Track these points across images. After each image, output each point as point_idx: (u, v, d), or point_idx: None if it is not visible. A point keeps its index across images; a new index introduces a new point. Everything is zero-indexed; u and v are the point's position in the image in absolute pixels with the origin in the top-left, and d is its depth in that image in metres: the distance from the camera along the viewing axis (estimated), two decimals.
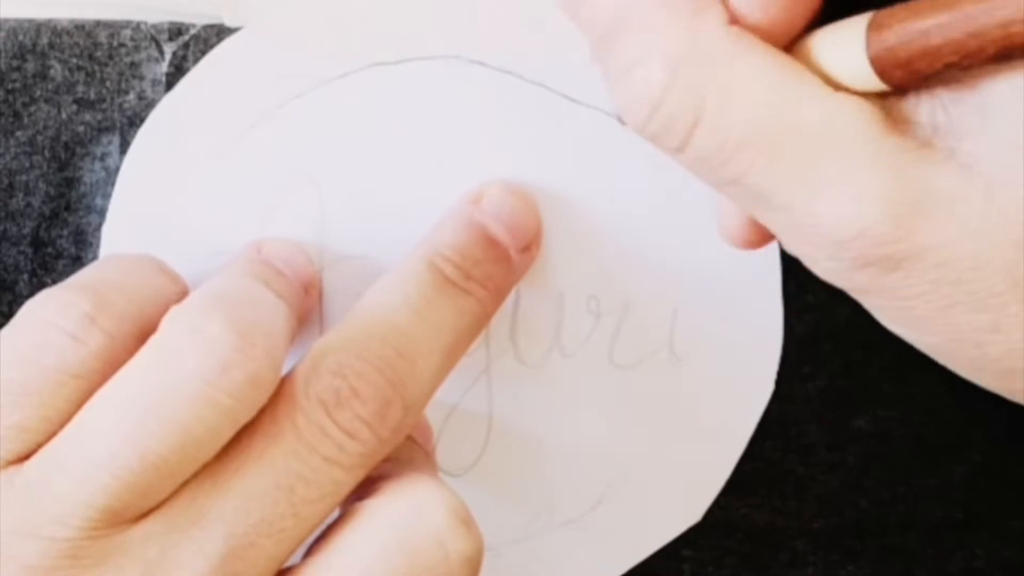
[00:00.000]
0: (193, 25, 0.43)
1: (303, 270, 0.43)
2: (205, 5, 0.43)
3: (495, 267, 0.42)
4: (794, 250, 0.37)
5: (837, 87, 0.36)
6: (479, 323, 0.41)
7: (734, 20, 0.37)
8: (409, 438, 0.41)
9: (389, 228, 0.44)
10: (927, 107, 0.35)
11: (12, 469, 0.36)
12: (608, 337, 0.45)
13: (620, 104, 0.37)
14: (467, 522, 0.38)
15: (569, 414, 0.45)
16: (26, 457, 0.36)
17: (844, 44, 0.36)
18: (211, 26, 0.43)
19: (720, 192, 0.38)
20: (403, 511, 0.37)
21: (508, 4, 0.43)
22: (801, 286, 0.45)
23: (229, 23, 0.43)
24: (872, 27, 0.35)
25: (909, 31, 0.34)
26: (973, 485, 0.47)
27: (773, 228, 0.37)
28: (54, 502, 0.35)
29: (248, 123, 0.43)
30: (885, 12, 0.35)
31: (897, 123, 0.35)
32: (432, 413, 0.44)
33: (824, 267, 0.37)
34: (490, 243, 0.42)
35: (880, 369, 0.46)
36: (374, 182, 0.44)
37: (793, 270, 0.45)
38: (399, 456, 0.40)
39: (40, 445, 0.36)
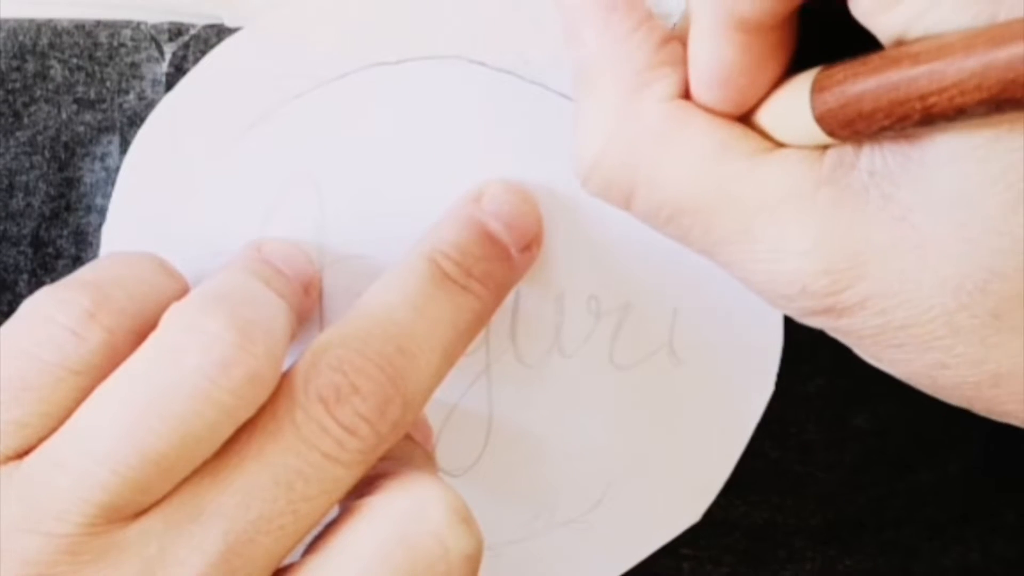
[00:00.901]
0: (193, 25, 0.43)
1: (303, 269, 0.43)
2: (205, 5, 0.43)
3: (495, 265, 0.42)
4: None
5: (785, 143, 0.37)
6: (479, 321, 0.41)
7: (686, 94, 0.38)
8: (408, 437, 0.41)
9: (389, 228, 0.44)
10: (867, 152, 0.36)
11: (11, 465, 0.36)
12: (608, 337, 0.45)
13: (572, 153, 0.39)
14: (467, 520, 0.37)
15: (569, 414, 0.45)
16: (25, 453, 0.36)
17: (794, 102, 0.37)
18: (211, 26, 0.43)
19: None
20: (403, 508, 0.37)
21: (508, 4, 0.43)
22: None
23: (229, 23, 0.43)
24: (815, 88, 0.36)
25: (846, 94, 0.35)
26: (969, 481, 0.47)
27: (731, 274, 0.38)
28: (53, 498, 0.35)
29: (248, 123, 0.43)
30: (826, 73, 0.36)
31: (837, 168, 0.36)
32: (432, 413, 0.44)
33: (780, 308, 0.38)
34: (490, 241, 0.42)
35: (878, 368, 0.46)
36: (374, 182, 0.44)
37: None
38: (398, 455, 0.40)
39: (40, 441, 0.36)
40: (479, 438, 0.45)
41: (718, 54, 0.37)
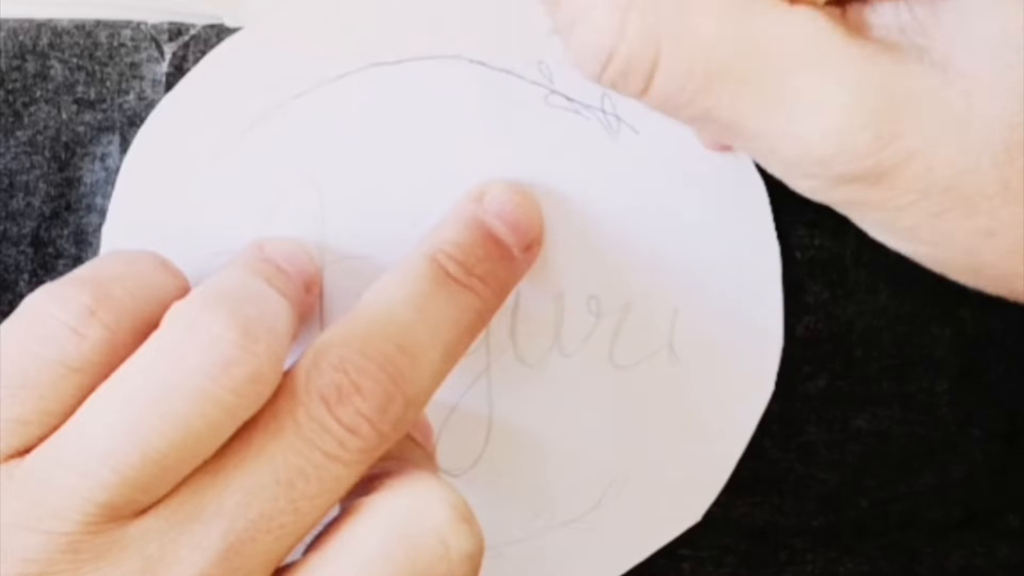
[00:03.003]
0: (193, 25, 0.43)
1: (305, 268, 0.43)
2: (205, 5, 0.43)
3: (497, 265, 0.42)
4: (775, 172, 0.36)
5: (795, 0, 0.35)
6: (481, 321, 0.41)
7: None
8: (409, 437, 0.41)
9: (389, 228, 0.44)
10: (891, 8, 0.34)
11: (12, 463, 0.36)
12: (608, 337, 0.45)
13: (573, 56, 0.36)
14: (468, 519, 0.37)
15: (569, 414, 0.45)
16: (27, 451, 0.36)
17: None
18: (211, 26, 0.43)
19: (690, 127, 0.37)
20: (404, 507, 0.37)
21: (508, 4, 0.43)
22: (801, 286, 0.45)
23: (229, 23, 0.43)
24: None
25: None
26: (972, 483, 0.47)
27: (752, 154, 0.36)
28: (54, 496, 0.35)
29: (248, 123, 0.43)
30: None
31: (859, 29, 0.35)
32: (432, 413, 0.44)
33: (806, 186, 0.36)
34: (492, 241, 0.42)
35: (880, 369, 0.46)
36: (374, 182, 0.44)
37: (793, 270, 0.45)
38: (399, 454, 0.40)
39: (40, 439, 0.36)
40: (479, 438, 0.45)
41: None
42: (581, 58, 0.36)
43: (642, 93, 0.36)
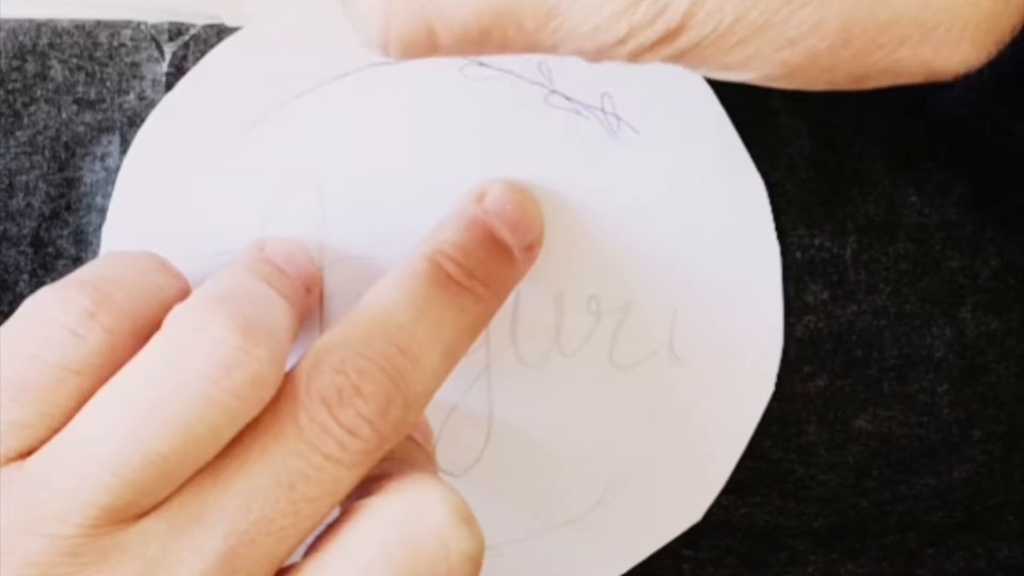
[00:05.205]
0: (193, 25, 0.43)
1: (305, 269, 0.43)
2: (205, 5, 0.43)
3: (498, 266, 0.42)
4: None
5: None
6: (481, 322, 0.41)
7: None
8: (409, 438, 0.41)
9: (389, 228, 0.44)
10: None
11: (13, 466, 0.36)
12: (608, 337, 0.45)
13: (356, 33, 0.37)
14: (469, 520, 0.37)
15: (569, 414, 0.45)
16: (27, 454, 0.36)
17: None
18: (211, 26, 0.43)
19: None
20: (404, 509, 0.37)
21: None
22: (801, 286, 0.45)
23: (229, 23, 0.43)
24: None
25: None
26: (973, 485, 0.47)
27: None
28: (55, 499, 0.35)
29: (248, 123, 0.43)
30: None
31: None
32: (432, 413, 0.44)
33: (632, 61, 0.37)
34: (493, 241, 0.42)
35: (880, 369, 0.46)
36: (374, 182, 0.44)
37: (793, 270, 0.45)
38: (400, 455, 0.40)
39: (41, 442, 0.36)
40: (479, 438, 0.45)
41: None
42: (362, 38, 0.37)
43: (434, 53, 0.37)
